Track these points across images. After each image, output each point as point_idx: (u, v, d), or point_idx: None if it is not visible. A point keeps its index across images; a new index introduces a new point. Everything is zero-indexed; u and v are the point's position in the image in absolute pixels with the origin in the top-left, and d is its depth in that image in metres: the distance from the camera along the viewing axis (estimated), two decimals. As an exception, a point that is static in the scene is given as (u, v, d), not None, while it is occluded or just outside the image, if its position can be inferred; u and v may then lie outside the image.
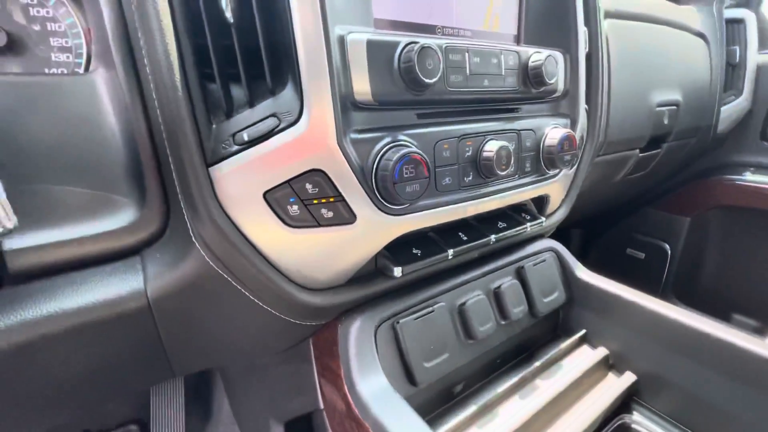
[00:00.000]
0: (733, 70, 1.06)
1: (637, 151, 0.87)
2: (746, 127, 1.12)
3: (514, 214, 0.57)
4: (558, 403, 0.51)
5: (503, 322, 0.54)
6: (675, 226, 1.26)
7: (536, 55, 0.49)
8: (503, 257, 0.58)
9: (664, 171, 1.13)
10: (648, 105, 0.81)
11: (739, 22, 1.05)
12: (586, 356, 0.58)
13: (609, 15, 0.73)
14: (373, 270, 0.46)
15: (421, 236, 0.49)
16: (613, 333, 0.58)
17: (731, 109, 1.06)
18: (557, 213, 0.65)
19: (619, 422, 0.54)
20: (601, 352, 0.57)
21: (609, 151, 0.79)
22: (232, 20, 0.32)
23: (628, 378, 0.54)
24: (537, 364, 0.54)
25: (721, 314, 1.24)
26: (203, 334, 0.44)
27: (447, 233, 0.50)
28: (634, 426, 0.53)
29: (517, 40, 0.54)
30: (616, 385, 0.54)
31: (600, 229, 1.47)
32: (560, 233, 1.69)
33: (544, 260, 0.60)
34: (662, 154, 0.94)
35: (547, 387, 0.52)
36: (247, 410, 0.76)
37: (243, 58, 0.33)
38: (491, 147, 0.45)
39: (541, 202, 0.61)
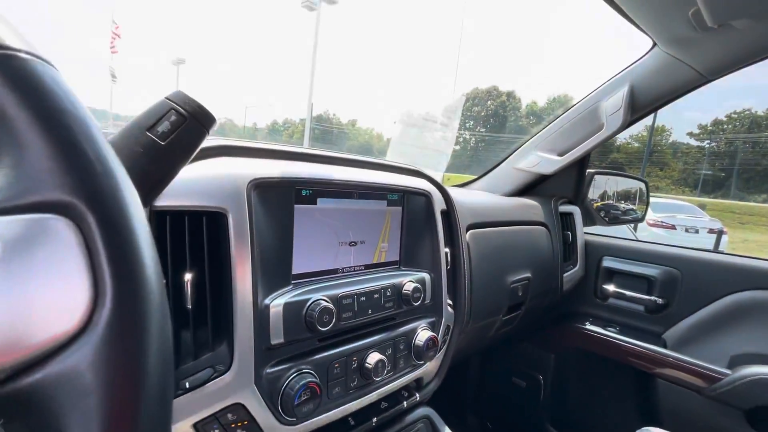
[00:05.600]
0: (569, 247, 1.45)
1: (501, 316, 1.13)
2: (584, 287, 1.50)
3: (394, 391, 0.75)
4: None
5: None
6: (545, 360, 1.54)
7: (408, 284, 0.71)
8: (389, 429, 0.74)
9: (530, 321, 1.42)
10: (504, 285, 1.10)
11: (570, 214, 1.47)
12: None
13: (471, 227, 1.03)
14: None
15: None
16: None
17: (571, 275, 1.42)
18: (431, 384, 0.84)
19: None
20: None
21: (476, 322, 1.03)
22: (189, 307, 0.48)
23: None
24: None
25: (584, 439, 1.47)
26: None
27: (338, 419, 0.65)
28: None
29: (399, 264, 0.77)
30: None
31: (493, 359, 1.71)
32: (461, 363, 1.87)
33: (415, 428, 0.76)
34: (522, 314, 1.23)
35: None
36: None
37: (194, 328, 0.49)
38: (371, 360, 0.63)
39: (417, 380, 0.80)
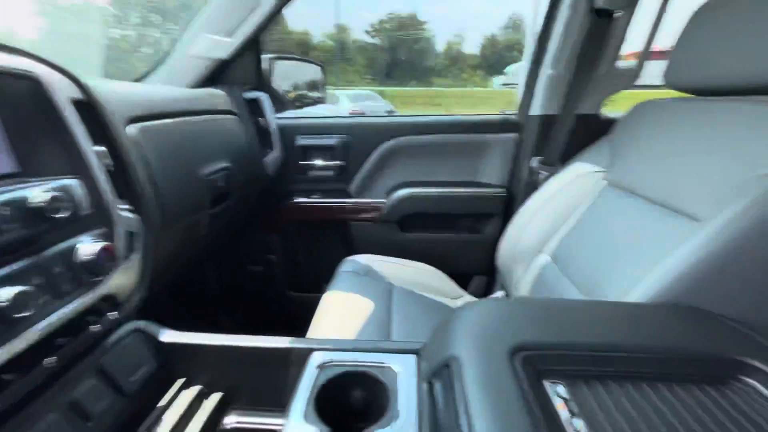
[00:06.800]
0: (264, 132, 1.53)
1: (207, 210, 1.11)
2: (288, 167, 1.65)
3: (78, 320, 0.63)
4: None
5: (90, 423, 0.61)
6: (273, 241, 1.70)
7: (40, 196, 0.55)
8: (84, 359, 0.64)
9: (246, 209, 1.48)
10: (197, 178, 1.05)
11: (257, 100, 1.51)
12: (185, 399, 0.75)
13: (137, 120, 0.88)
14: None
15: None
16: (200, 370, 0.78)
17: (272, 159, 1.53)
18: (134, 297, 0.76)
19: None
20: (194, 389, 0.76)
21: (178, 222, 0.97)
22: None
23: (216, 396, 0.76)
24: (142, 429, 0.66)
25: (317, 290, 1.82)
26: None
27: None
28: (229, 426, 0.76)
29: (20, 174, 0.58)
30: (207, 406, 0.74)
31: (225, 256, 1.75)
32: (196, 268, 1.80)
33: (123, 346, 0.70)
34: (233, 204, 1.25)
35: (153, 446, 0.65)
36: None
37: None
38: (4, 296, 0.49)
39: (111, 300, 0.70)
